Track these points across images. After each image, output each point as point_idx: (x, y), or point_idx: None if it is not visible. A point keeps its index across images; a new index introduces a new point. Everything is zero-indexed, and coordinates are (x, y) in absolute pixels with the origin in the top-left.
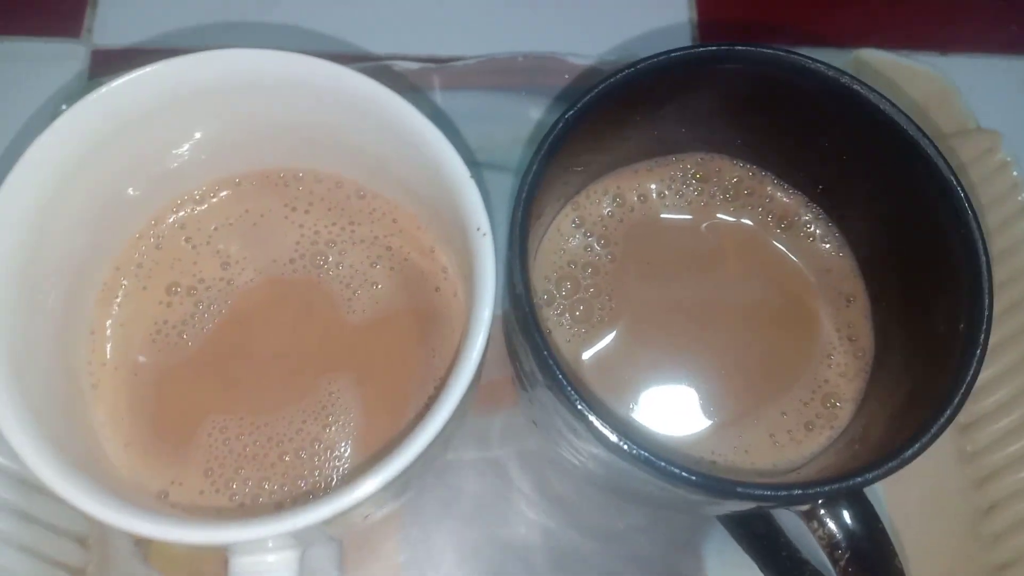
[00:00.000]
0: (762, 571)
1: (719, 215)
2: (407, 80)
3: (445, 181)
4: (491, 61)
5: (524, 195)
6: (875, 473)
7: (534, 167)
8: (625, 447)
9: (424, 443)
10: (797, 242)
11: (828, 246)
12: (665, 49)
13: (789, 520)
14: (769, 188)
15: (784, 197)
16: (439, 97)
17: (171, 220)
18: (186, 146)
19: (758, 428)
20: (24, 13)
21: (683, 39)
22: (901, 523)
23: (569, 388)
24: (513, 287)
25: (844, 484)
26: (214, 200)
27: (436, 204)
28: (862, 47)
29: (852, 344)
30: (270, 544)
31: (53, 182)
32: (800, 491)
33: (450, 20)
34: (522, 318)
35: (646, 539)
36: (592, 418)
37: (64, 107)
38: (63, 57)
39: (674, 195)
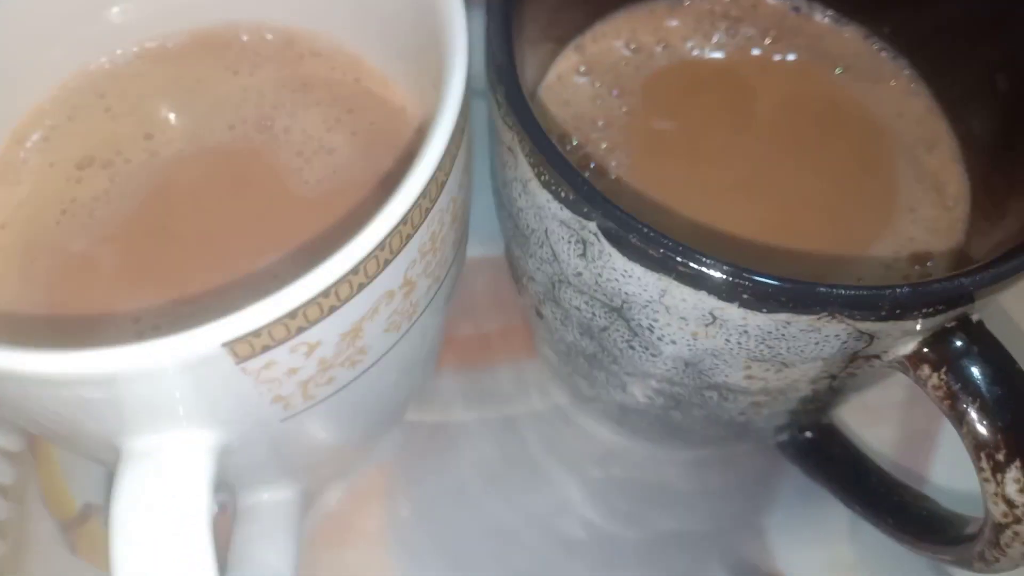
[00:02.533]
0: (847, 504)
1: (761, 59)
2: None
3: None
4: None
5: None
6: (991, 272)
7: None
8: (649, 233)
9: (360, 251)
10: (859, 84)
11: (897, 86)
12: None
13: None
14: (819, 23)
15: (838, 32)
16: None
17: (88, 86)
18: None
19: None
20: None
21: None
22: None
23: (576, 174)
24: (492, 60)
25: (958, 281)
26: (141, 64)
27: (404, 26)
28: None
29: (939, 193)
30: (176, 399)
31: None
32: (907, 289)
33: None
34: (507, 96)
35: (695, 514)
36: (604, 204)
37: None
38: None
39: (702, 37)
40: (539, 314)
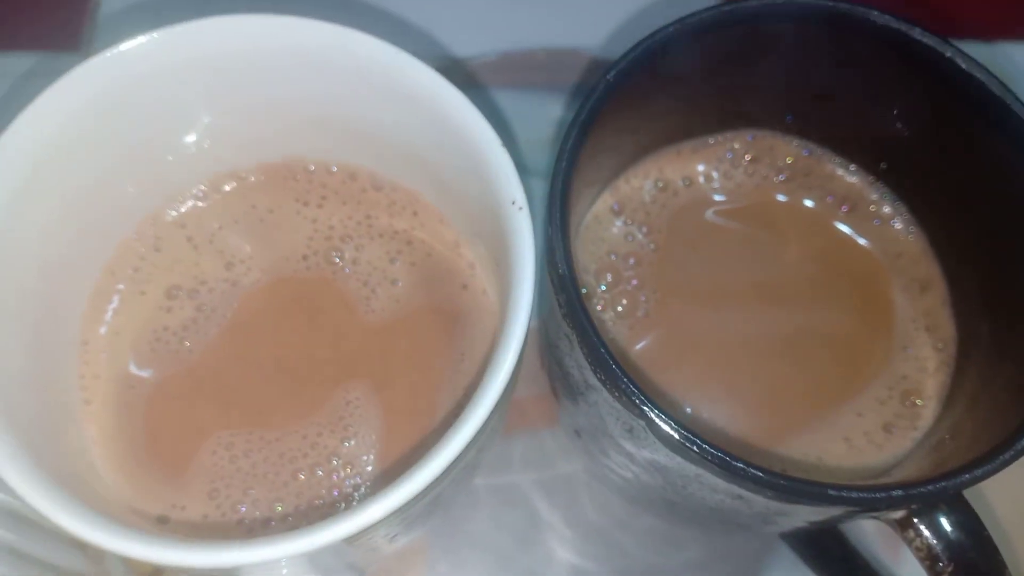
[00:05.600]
0: None
1: (775, 198)
2: None
3: (473, 152)
4: (508, 57)
5: (564, 164)
6: (981, 470)
7: (574, 132)
8: (695, 447)
9: (453, 453)
10: (863, 225)
11: (898, 227)
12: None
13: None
14: (828, 166)
15: (846, 176)
16: None
17: (170, 218)
18: (187, 135)
19: (831, 431)
20: (19, 25)
21: None
22: (1011, 529)
23: (626, 381)
24: (555, 268)
25: (944, 484)
26: (217, 196)
27: (462, 185)
28: None
29: (931, 335)
30: (284, 571)
31: (29, 170)
32: (900, 492)
33: (462, 19)
34: (568, 303)
35: None
36: (655, 414)
37: None
38: (61, 72)
39: (723, 177)
40: (577, 434)
